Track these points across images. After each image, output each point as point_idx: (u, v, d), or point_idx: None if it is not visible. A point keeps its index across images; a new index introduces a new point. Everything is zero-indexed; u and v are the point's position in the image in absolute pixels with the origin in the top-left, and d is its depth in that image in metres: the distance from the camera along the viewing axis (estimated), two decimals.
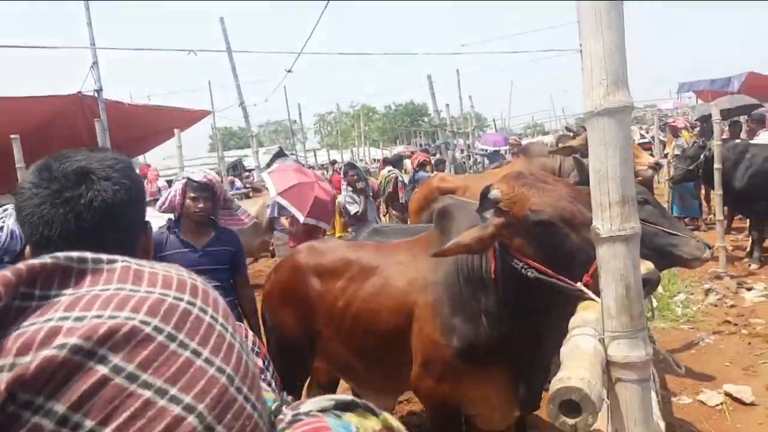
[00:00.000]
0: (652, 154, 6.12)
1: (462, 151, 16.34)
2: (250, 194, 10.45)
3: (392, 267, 2.56)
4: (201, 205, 3.17)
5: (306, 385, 3.22)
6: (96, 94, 9.15)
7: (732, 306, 5.94)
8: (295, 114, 26.05)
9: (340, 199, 6.81)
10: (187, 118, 13.08)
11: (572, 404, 1.14)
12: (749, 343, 4.99)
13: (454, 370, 2.28)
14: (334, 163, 19.14)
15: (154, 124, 11.91)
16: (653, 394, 2.49)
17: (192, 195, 3.16)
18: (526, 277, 1.90)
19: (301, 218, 5.75)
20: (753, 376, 4.38)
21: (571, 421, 1.14)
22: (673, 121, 11.30)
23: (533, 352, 2.21)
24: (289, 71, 10.44)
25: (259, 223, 7.57)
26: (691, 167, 7.10)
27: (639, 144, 7.76)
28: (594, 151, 1.30)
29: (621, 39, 1.25)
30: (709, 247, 2.35)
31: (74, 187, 0.95)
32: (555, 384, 1.17)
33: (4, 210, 2.90)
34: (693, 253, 2.33)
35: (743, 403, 3.98)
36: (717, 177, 6.50)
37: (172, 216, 3.36)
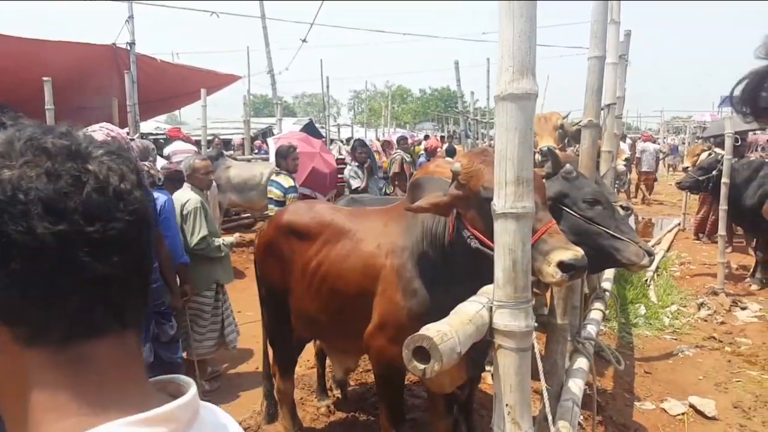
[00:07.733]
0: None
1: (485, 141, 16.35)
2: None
3: (364, 231, 2.69)
4: None
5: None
6: (129, 47, 9.43)
7: (722, 323, 5.90)
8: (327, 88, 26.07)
9: (345, 173, 6.95)
10: (216, 81, 13.31)
11: (424, 352, 1.25)
12: (729, 361, 4.97)
13: (407, 331, 2.39)
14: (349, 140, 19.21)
15: (182, 84, 12.14)
16: (579, 381, 2.59)
17: None
18: (471, 247, 2.03)
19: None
20: (723, 392, 4.37)
21: (420, 366, 1.26)
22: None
23: None
24: (304, 41, 10.49)
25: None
26: (701, 178, 7.02)
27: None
28: (498, 133, 1.39)
29: (531, 28, 1.33)
30: (650, 255, 2.40)
31: None
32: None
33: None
34: (631, 258, 2.39)
35: (705, 417, 3.98)
36: (723, 191, 6.43)
37: None
